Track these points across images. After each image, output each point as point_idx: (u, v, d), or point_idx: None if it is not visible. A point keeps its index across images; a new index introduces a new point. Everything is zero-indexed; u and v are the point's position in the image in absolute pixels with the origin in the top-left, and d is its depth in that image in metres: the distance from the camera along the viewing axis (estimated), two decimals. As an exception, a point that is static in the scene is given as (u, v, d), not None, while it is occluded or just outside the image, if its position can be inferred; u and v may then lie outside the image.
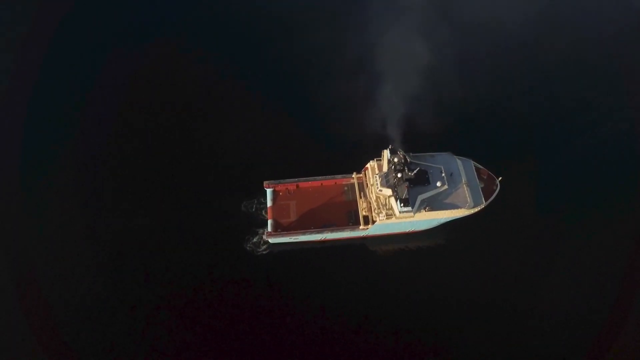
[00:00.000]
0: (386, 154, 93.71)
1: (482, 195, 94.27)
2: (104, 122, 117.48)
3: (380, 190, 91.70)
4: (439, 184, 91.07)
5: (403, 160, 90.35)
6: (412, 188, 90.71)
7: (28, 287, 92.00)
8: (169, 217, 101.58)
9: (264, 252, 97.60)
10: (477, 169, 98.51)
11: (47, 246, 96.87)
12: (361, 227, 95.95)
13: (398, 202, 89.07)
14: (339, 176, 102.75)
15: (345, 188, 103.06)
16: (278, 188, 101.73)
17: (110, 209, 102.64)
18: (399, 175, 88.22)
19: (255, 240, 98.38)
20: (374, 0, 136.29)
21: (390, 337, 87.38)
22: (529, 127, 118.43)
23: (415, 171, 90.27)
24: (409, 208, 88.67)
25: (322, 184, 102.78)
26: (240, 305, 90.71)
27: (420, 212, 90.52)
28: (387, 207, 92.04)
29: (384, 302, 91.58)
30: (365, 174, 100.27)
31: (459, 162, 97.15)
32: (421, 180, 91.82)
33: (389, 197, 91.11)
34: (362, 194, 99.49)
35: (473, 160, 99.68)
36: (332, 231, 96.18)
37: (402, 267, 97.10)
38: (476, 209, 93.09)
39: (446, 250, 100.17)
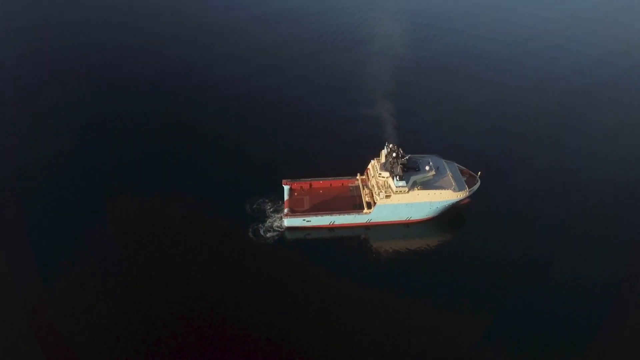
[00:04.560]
0: (384, 151, 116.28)
1: (465, 185, 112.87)
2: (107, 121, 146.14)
3: (380, 174, 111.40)
4: (427, 168, 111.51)
5: (397, 150, 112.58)
6: (406, 172, 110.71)
7: (29, 286, 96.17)
8: (175, 214, 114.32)
9: (274, 237, 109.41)
10: (460, 169, 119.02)
11: (49, 248, 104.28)
12: (365, 210, 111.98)
13: (394, 179, 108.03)
14: (346, 177, 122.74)
15: (351, 188, 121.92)
16: (294, 186, 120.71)
17: (115, 212, 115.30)
18: (394, 154, 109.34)
19: (258, 226, 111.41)
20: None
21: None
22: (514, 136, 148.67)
23: (407, 157, 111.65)
24: (404, 182, 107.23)
25: (331, 184, 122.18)
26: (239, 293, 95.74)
27: (413, 190, 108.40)
28: (386, 187, 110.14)
29: (384, 298, 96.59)
30: (367, 173, 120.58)
31: (444, 162, 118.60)
32: (413, 167, 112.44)
33: (387, 178, 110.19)
34: (364, 186, 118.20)
35: (456, 163, 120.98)
36: (340, 214, 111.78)
37: (402, 266, 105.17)
38: (461, 193, 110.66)
39: (441, 248, 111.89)
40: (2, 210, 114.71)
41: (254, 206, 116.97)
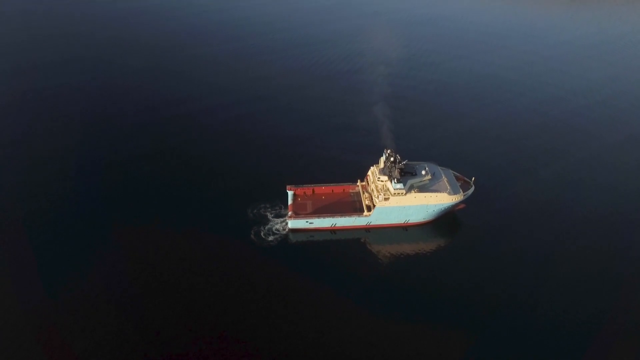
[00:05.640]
0: (382, 158, 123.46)
1: (460, 189, 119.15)
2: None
3: (379, 178, 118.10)
4: (423, 172, 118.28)
5: (395, 155, 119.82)
6: (403, 176, 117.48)
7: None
8: (179, 225, 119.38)
9: (277, 240, 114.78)
10: (455, 175, 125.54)
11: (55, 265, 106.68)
12: (365, 213, 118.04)
13: (392, 182, 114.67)
14: (347, 184, 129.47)
15: (352, 193, 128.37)
16: (298, 191, 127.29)
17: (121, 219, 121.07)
18: (391, 159, 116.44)
19: (260, 229, 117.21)
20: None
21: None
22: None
23: (404, 162, 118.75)
24: (401, 185, 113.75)
25: (332, 189, 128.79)
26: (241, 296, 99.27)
27: (410, 192, 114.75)
28: (384, 190, 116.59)
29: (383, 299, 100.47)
30: (367, 179, 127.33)
31: (439, 169, 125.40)
32: (410, 171, 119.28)
33: (386, 181, 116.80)
34: (364, 191, 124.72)
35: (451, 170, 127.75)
36: (341, 216, 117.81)
37: (399, 271, 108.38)
38: (456, 197, 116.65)
39: (437, 252, 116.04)
40: (9, 236, 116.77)
41: (255, 211, 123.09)
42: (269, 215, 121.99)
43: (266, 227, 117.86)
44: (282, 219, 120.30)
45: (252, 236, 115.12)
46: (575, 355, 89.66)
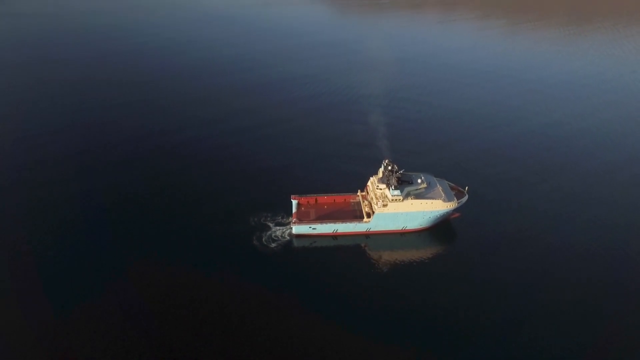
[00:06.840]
0: (381, 168, 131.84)
1: (454, 197, 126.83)
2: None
3: (378, 187, 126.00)
4: (419, 181, 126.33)
5: (392, 165, 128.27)
6: (400, 184, 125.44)
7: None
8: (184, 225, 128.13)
9: (280, 244, 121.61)
10: (450, 185, 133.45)
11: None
12: (365, 219, 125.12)
13: (390, 189, 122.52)
14: (348, 194, 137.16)
15: (352, 203, 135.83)
16: (301, 201, 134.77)
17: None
18: (389, 168, 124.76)
19: (262, 235, 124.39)
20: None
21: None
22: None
23: (401, 171, 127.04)
24: (398, 192, 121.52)
25: (334, 199, 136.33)
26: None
27: (407, 199, 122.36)
28: (383, 197, 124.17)
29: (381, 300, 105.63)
30: (367, 189, 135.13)
31: (435, 179, 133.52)
32: (406, 180, 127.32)
33: (384, 189, 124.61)
34: (364, 200, 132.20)
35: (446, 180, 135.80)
36: (342, 222, 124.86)
37: (398, 277, 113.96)
38: (451, 204, 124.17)
39: (433, 258, 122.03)
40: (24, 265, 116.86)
41: (255, 219, 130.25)
42: (271, 224, 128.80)
43: (267, 234, 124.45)
44: (283, 227, 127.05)
45: (255, 242, 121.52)
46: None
